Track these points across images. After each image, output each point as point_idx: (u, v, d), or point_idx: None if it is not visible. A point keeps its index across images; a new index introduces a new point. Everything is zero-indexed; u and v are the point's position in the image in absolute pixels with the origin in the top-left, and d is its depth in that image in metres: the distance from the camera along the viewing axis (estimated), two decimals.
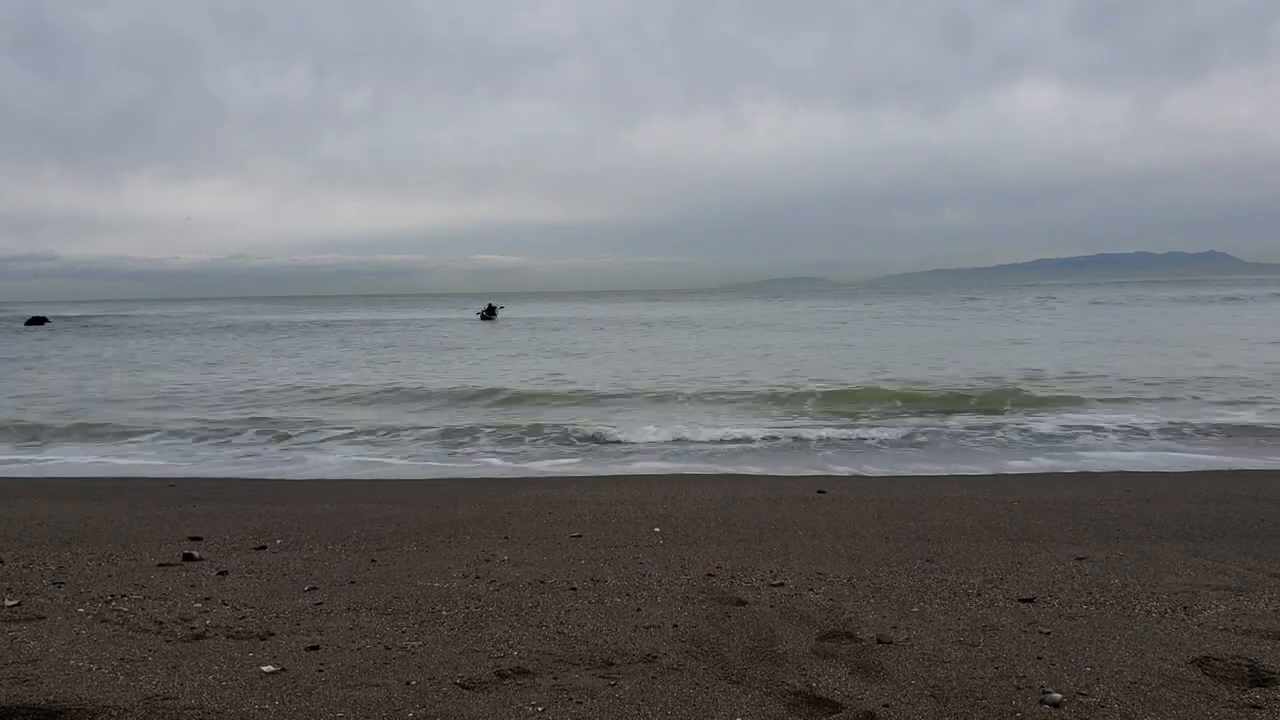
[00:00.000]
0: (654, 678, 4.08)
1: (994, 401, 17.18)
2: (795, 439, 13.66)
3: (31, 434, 15.80)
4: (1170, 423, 14.12)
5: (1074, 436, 13.39)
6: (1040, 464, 11.40)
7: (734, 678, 4.09)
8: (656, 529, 7.21)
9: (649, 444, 13.62)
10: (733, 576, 5.74)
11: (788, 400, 18.40)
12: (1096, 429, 13.83)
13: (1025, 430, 13.92)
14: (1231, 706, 3.71)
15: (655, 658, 4.33)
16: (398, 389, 22.21)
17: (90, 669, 4.17)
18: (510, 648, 4.48)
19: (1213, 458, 11.50)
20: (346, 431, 15.45)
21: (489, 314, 72.23)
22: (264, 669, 4.17)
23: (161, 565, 6.19)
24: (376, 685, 3.99)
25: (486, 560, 6.26)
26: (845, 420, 15.46)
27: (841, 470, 11.14)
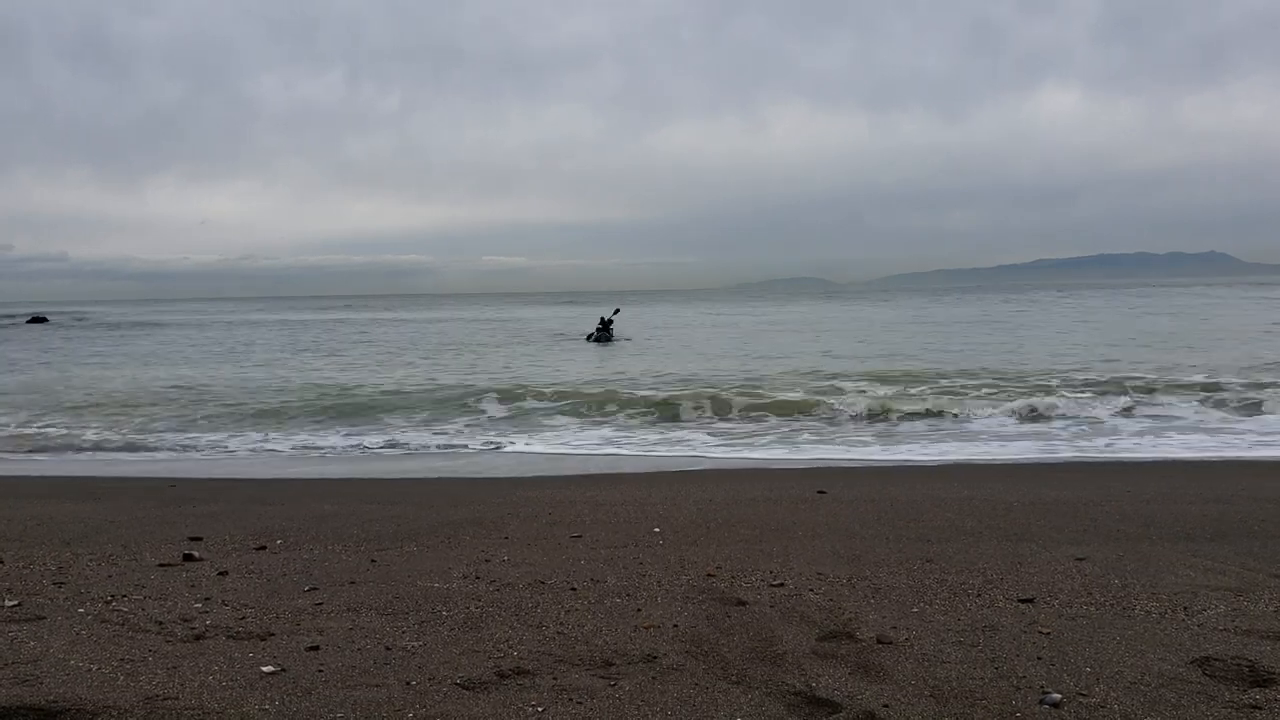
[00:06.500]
0: (654, 678, 4.09)
1: None
2: None
3: None
4: None
5: None
6: None
7: (734, 678, 4.09)
8: (656, 529, 7.22)
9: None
10: (733, 576, 5.75)
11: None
12: None
13: None
14: (1231, 707, 3.71)
15: (655, 658, 4.33)
16: None
17: (90, 669, 4.18)
18: (510, 648, 4.48)
19: None
20: None
21: (604, 333, 40.01)
22: (264, 669, 4.18)
23: (162, 565, 6.20)
24: (376, 685, 4.00)
25: (486, 560, 6.26)
26: None
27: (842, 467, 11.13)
